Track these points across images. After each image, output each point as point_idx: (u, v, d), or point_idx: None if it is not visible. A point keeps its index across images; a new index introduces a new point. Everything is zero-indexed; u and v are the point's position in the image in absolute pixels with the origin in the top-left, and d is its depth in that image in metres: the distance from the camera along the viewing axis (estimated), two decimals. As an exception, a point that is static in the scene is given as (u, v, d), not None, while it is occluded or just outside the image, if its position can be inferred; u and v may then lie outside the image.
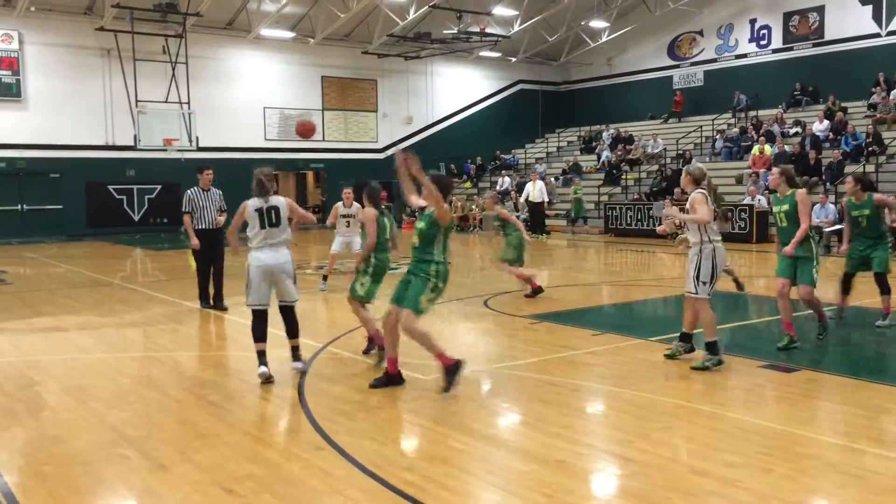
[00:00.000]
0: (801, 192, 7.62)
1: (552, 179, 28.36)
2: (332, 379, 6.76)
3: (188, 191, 10.64)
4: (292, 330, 6.98)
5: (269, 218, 6.65)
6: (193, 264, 11.08)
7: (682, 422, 5.55)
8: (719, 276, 7.05)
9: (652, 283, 12.87)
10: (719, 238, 7.01)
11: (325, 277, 12.51)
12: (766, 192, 20.07)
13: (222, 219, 10.54)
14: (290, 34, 28.53)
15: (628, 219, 23.11)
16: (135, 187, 26.69)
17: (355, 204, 11.71)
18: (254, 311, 6.78)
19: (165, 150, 25.33)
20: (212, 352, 8.34)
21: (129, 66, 25.67)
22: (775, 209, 7.82)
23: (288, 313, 6.95)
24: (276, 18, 26.91)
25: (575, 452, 4.89)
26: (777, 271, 7.81)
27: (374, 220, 7.38)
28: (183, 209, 10.54)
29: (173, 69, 26.37)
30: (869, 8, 25.40)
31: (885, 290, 8.66)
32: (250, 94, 28.75)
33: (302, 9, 27.88)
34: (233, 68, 28.53)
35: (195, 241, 10.40)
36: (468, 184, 31.80)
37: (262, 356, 6.66)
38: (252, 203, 6.68)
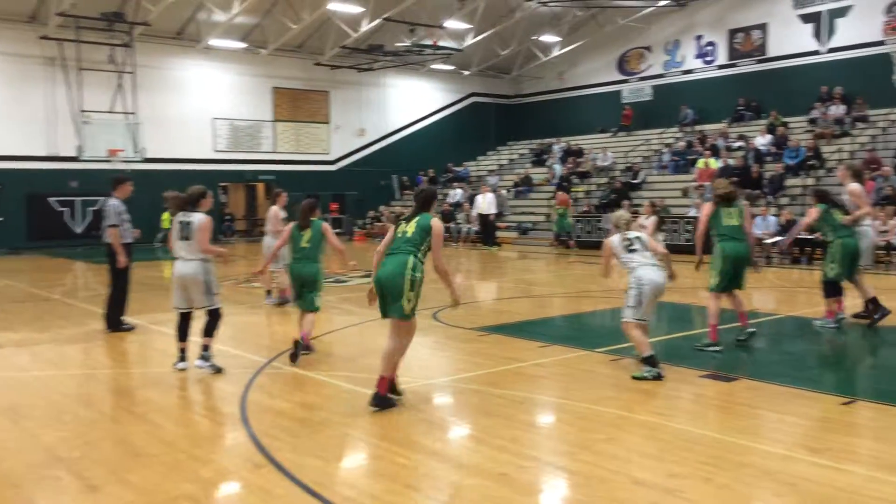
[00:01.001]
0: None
1: (503, 192, 28.54)
2: (275, 395, 6.66)
3: (112, 202, 9.79)
4: (204, 329, 7.57)
5: (183, 232, 7.42)
6: (109, 282, 10.03)
7: (625, 433, 5.59)
8: (646, 301, 7.06)
9: (601, 295, 13.00)
10: (646, 264, 7.11)
11: (269, 292, 12.35)
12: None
13: (138, 232, 10.18)
14: (241, 45, 28.25)
15: (578, 230, 23.35)
16: (77, 199, 26.00)
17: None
18: (178, 314, 7.67)
19: (110, 161, 24.79)
20: (152, 368, 8.15)
21: (74, 76, 25.14)
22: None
23: (208, 316, 7.57)
24: (226, 29, 26.62)
25: (518, 465, 4.89)
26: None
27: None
28: (111, 222, 9.69)
29: (119, 79, 25.88)
30: (809, 26, 26.20)
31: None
32: (199, 105, 28.33)
33: (253, 19, 27.63)
34: (181, 78, 28.10)
35: (124, 260, 9.70)
36: (421, 196, 31.76)
37: (181, 353, 7.56)
38: (177, 216, 7.53)
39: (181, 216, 7.44)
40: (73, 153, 24.83)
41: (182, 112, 27.77)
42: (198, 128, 28.25)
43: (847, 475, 4.60)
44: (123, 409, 6.29)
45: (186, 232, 7.39)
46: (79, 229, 26.13)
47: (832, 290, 9.22)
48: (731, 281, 8.28)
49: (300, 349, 7.64)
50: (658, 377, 6.84)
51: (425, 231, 6.04)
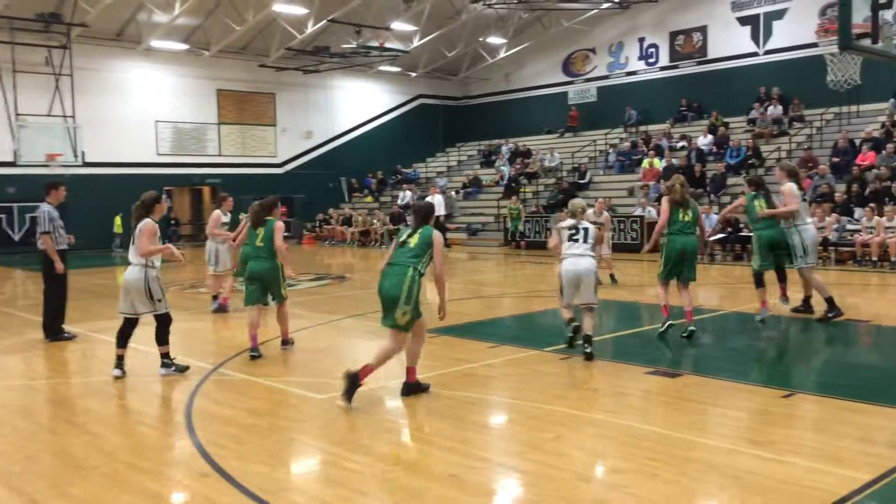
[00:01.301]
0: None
1: (452, 193, 28.60)
2: (221, 402, 6.55)
3: (45, 208, 9.44)
4: (156, 337, 7.55)
5: (131, 240, 7.49)
6: (44, 290, 9.82)
7: (573, 431, 5.64)
8: (565, 289, 7.89)
9: (549, 294, 13.10)
10: (571, 255, 7.79)
11: (215, 297, 12.10)
12: (656, 202, 20.87)
13: (72, 238, 9.91)
14: (184, 46, 27.74)
15: (527, 230, 23.52)
16: (15, 206, 25.14)
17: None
18: (123, 319, 7.57)
19: (48, 166, 24.08)
20: (93, 377, 7.92)
21: (9, 79, 24.39)
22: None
23: (156, 322, 7.54)
24: (167, 30, 26.11)
25: (468, 466, 4.89)
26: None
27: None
28: (44, 229, 9.37)
29: (57, 81, 25.21)
30: (748, 28, 26.88)
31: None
32: (141, 108, 27.72)
33: (196, 20, 27.15)
34: (122, 80, 27.47)
35: (60, 266, 9.49)
36: (369, 198, 31.68)
37: (118, 360, 7.43)
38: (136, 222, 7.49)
39: (139, 222, 7.40)
40: (9, 158, 24.08)
41: (123, 115, 27.14)
42: (140, 130, 27.63)
43: (789, 467, 4.71)
44: (63, 421, 6.11)
45: (133, 239, 7.41)
46: (17, 237, 25.30)
47: (757, 281, 9.51)
48: (673, 269, 8.65)
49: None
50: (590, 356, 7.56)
51: (427, 244, 6.37)
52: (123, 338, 7.50)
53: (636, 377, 7.06)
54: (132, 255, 7.41)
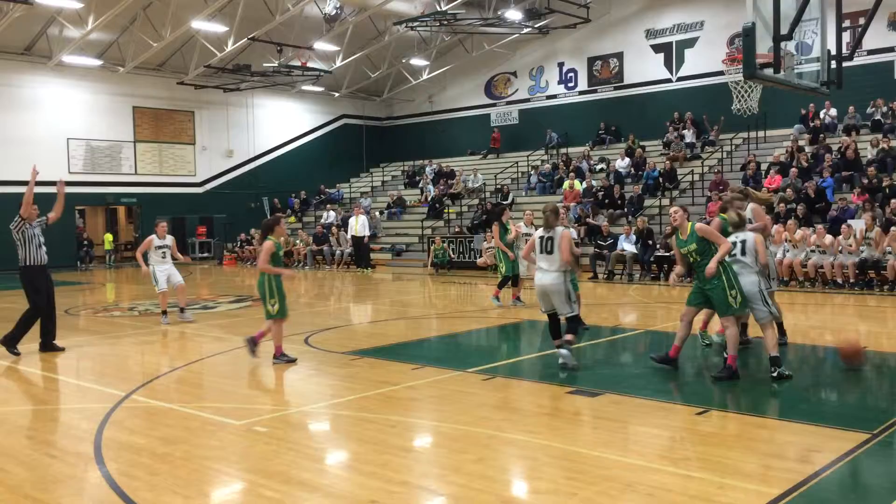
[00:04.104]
0: (699, 225, 7.84)
1: (377, 213, 28.53)
2: (134, 430, 6.30)
3: None
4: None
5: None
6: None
7: (495, 452, 5.66)
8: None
9: (474, 315, 13.18)
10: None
11: (164, 312, 12.69)
12: (576, 224, 21.31)
13: None
14: (98, 62, 26.93)
15: (451, 252, 23.63)
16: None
17: (168, 236, 12.75)
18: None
19: (-49, 184, 22.96)
20: (-3, 407, 7.53)
21: None
22: (682, 250, 7.77)
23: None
24: (80, 45, 25.28)
25: (389, 491, 4.84)
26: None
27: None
28: None
29: (-39, 96, 24.09)
30: (661, 56, 27.89)
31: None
32: (52, 124, 26.73)
33: (110, 36, 26.41)
34: (32, 96, 26.45)
35: None
36: (292, 218, 31.28)
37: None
38: None
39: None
40: None
41: (33, 132, 26.11)
42: (51, 148, 26.58)
43: (700, 482, 4.84)
44: (-40, 455, 5.76)
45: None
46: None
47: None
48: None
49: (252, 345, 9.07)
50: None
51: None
52: None
53: (558, 396, 7.15)
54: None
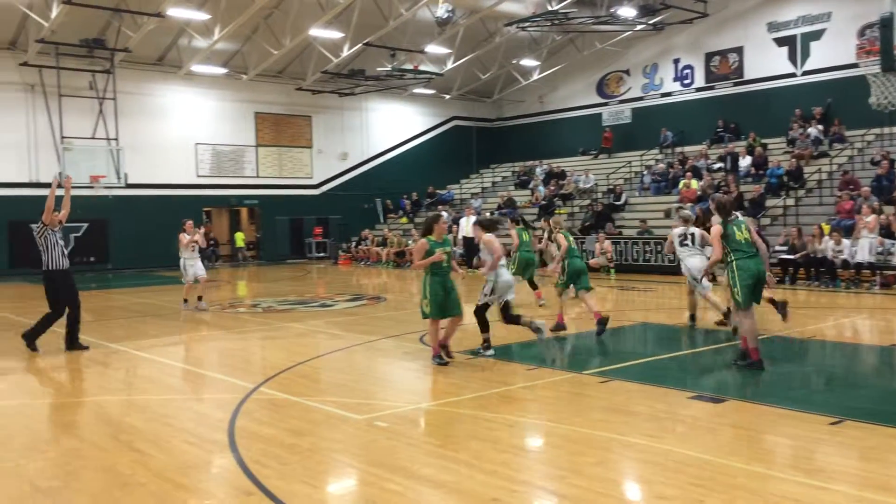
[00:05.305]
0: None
1: (487, 214, 28.59)
2: (263, 421, 6.60)
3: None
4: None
5: None
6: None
7: (615, 455, 5.59)
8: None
9: (583, 317, 13.01)
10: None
11: (186, 300, 14.63)
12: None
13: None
14: (223, 70, 28.30)
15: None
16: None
17: (197, 234, 14.69)
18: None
19: (92, 188, 24.65)
20: (136, 395, 8.05)
21: (55, 102, 25.08)
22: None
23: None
24: (207, 55, 26.65)
25: (510, 490, 4.86)
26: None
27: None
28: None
29: (101, 105, 25.87)
30: (784, 49, 26.66)
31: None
32: (182, 131, 28.29)
33: (234, 45, 27.71)
34: (163, 104, 28.08)
35: None
36: (404, 219, 31.84)
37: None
38: None
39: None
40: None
41: (164, 138, 27.73)
42: (180, 153, 28.20)
43: (836, 495, 4.61)
44: (108, 438, 6.20)
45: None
46: (60, 256, 25.84)
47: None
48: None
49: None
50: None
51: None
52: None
53: (679, 402, 6.97)
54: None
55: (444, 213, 16.14)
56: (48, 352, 10.38)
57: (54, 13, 21.79)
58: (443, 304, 8.65)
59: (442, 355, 8.76)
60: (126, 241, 25.59)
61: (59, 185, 10.35)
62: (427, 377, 8.53)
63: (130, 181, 25.69)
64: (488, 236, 9.18)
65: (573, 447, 5.73)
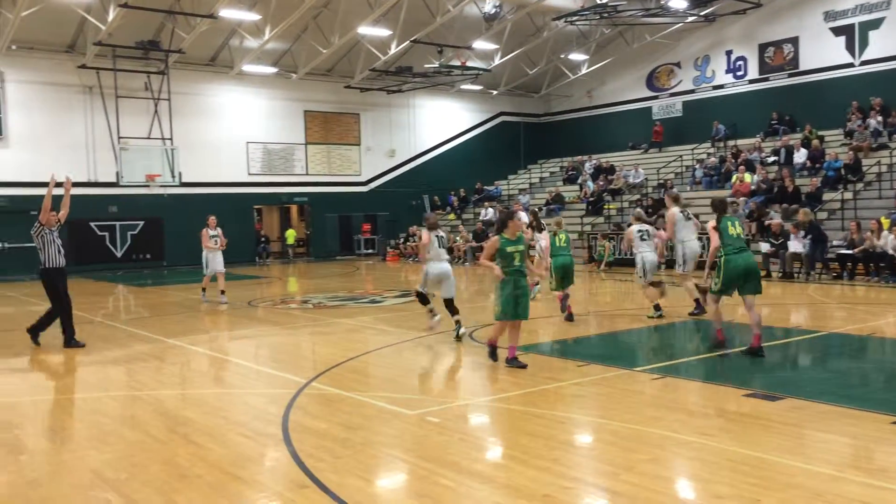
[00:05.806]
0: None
1: (536, 209, 28.45)
2: (316, 416, 6.70)
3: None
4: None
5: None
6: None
7: (668, 453, 5.53)
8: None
9: (636, 312, 12.89)
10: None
11: (204, 290, 15.80)
12: (748, 220, 20.28)
13: None
14: (273, 70, 28.70)
15: (612, 248, 23.19)
16: (117, 223, 26.53)
17: (218, 228, 15.54)
18: None
19: (148, 186, 25.27)
20: (194, 389, 8.25)
21: (112, 103, 25.72)
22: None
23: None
24: (258, 54, 27.07)
25: (562, 487, 4.85)
26: None
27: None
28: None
29: (156, 105, 26.46)
30: (842, 39, 25.93)
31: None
32: (233, 129, 28.79)
33: (284, 45, 28.08)
34: (215, 104, 28.61)
35: None
36: (452, 215, 31.90)
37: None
38: None
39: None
40: (112, 179, 25.35)
41: (216, 136, 28.26)
42: (232, 152, 28.71)
43: (900, 495, 4.50)
44: (167, 431, 6.36)
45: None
46: (119, 253, 26.62)
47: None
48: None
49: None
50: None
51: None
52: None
53: (733, 399, 6.86)
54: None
55: (522, 213, 15.97)
56: (108, 347, 10.69)
57: (111, 16, 22.37)
58: (512, 308, 8.24)
59: (497, 354, 8.55)
60: (180, 239, 26.12)
61: (58, 185, 10.57)
62: (476, 373, 8.54)
63: (184, 180, 26.25)
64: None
65: (625, 444, 5.69)
